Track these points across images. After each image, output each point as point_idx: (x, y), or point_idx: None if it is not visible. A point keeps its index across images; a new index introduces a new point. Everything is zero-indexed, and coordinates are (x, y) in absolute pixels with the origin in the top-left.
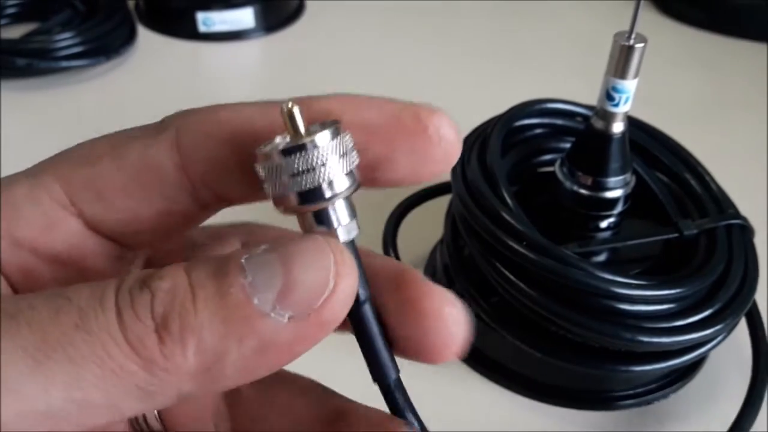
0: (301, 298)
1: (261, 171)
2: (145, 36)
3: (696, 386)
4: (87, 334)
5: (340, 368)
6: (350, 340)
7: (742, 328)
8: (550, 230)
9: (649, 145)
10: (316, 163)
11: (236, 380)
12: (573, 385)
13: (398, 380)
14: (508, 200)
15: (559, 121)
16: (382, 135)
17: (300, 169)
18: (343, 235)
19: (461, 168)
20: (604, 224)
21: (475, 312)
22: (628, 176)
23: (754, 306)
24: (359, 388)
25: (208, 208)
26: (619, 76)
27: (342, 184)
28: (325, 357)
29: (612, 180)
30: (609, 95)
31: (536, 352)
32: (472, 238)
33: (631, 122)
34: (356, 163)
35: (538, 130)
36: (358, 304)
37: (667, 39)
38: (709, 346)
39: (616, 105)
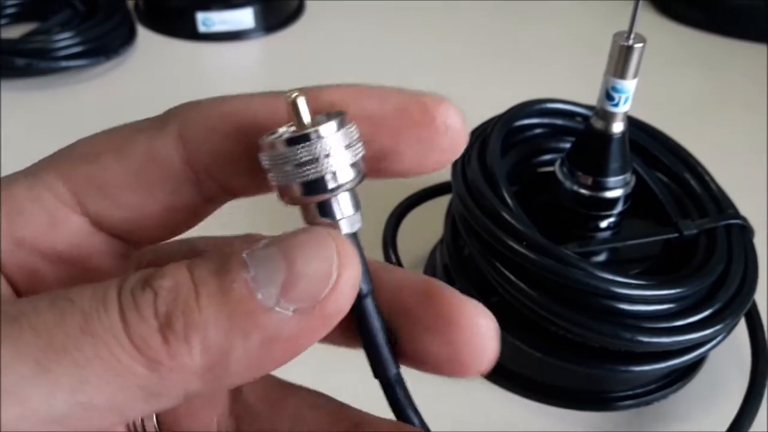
0: (304, 291)
1: (265, 160)
2: (144, 36)
3: (696, 386)
4: (91, 336)
5: (332, 377)
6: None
7: (742, 328)
8: (550, 230)
9: (649, 145)
10: (321, 153)
11: (243, 377)
12: (573, 386)
13: (399, 375)
14: (508, 200)
15: (559, 121)
16: (388, 126)
17: (304, 159)
18: (346, 227)
19: (461, 168)
20: (604, 224)
21: None
22: (627, 176)
23: (754, 306)
24: (351, 396)
25: (213, 201)
26: (618, 76)
27: (346, 175)
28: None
29: (612, 180)
30: (609, 95)
31: (536, 352)
32: (472, 238)
33: (631, 122)
34: (361, 154)
35: (538, 130)
36: (360, 298)
37: (666, 39)
38: (708, 346)
39: (616, 105)
